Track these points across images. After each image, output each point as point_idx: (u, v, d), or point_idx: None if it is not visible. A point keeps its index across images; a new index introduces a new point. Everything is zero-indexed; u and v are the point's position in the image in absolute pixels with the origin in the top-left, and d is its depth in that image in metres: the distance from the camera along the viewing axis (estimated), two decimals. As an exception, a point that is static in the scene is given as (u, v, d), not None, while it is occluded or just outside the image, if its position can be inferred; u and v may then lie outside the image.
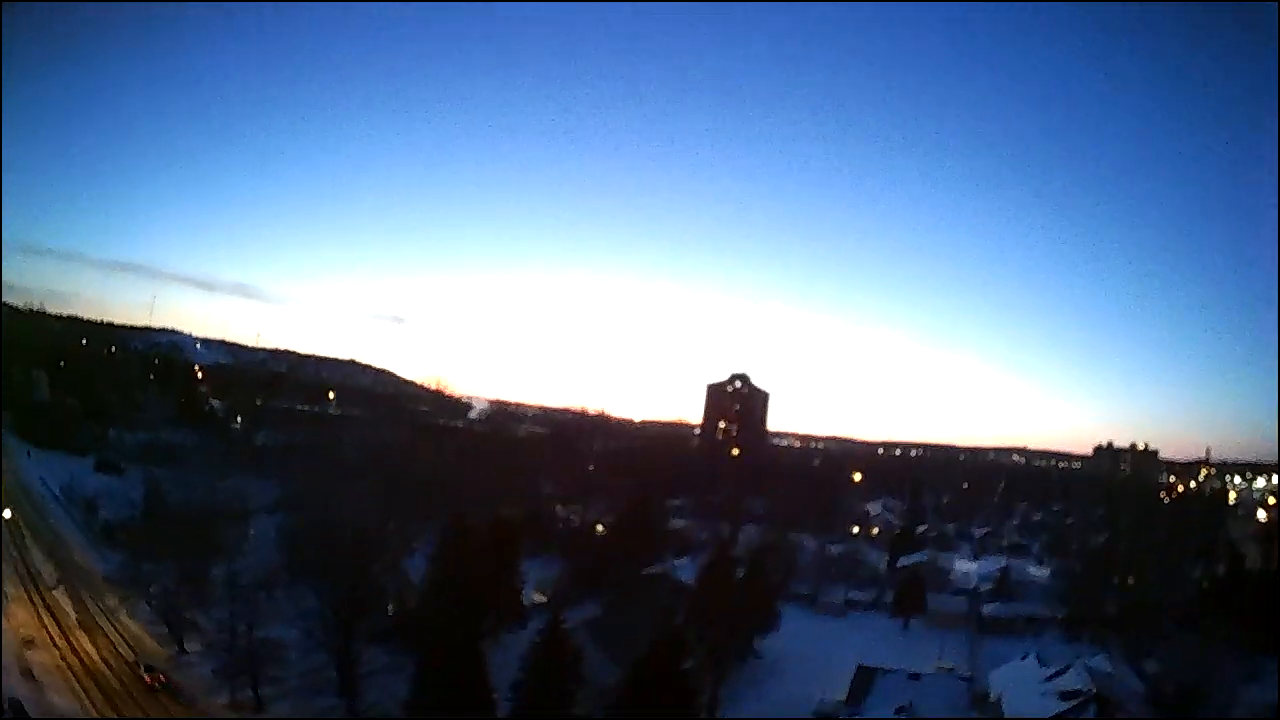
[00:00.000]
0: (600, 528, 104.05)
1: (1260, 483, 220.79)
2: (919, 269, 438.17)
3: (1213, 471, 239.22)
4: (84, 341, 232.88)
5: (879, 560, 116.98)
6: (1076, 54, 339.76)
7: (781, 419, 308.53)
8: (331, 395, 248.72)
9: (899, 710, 49.18)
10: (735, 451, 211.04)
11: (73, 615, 64.24)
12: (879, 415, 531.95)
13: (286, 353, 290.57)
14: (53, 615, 63.13)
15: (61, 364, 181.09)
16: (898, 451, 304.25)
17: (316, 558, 59.33)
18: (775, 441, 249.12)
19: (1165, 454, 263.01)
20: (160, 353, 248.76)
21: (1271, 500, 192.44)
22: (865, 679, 55.78)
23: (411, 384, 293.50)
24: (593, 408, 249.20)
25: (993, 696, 54.56)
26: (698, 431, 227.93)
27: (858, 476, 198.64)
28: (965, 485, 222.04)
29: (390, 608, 63.69)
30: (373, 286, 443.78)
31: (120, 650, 58.83)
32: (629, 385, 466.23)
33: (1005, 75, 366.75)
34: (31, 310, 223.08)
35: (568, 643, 49.71)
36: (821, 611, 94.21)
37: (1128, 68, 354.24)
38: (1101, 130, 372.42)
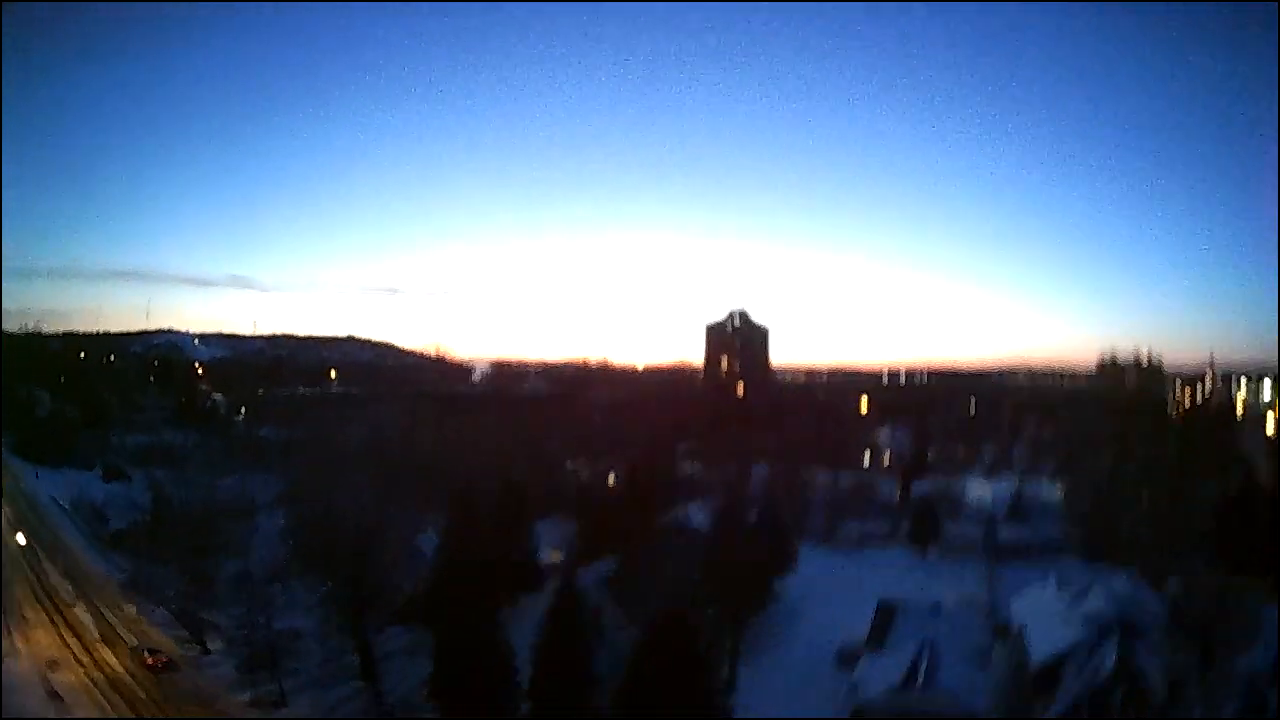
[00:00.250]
0: (611, 480, 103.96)
1: (1267, 384, 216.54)
2: (910, 189, 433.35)
3: (1218, 381, 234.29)
4: (82, 355, 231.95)
5: (891, 491, 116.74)
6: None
7: (783, 352, 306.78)
8: (333, 374, 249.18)
9: (921, 646, 48.91)
10: (740, 390, 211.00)
11: (94, 630, 64.50)
12: (881, 342, 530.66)
13: (286, 338, 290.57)
14: (74, 632, 63.47)
15: (61, 379, 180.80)
16: (902, 377, 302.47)
17: (322, 549, 59.11)
18: (779, 376, 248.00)
19: (1168, 359, 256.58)
20: (159, 354, 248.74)
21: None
22: (886, 616, 55.41)
23: (412, 354, 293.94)
24: (594, 358, 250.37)
25: (1014, 629, 54.07)
26: (701, 373, 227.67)
27: (864, 405, 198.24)
28: (972, 407, 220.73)
29: (405, 587, 63.52)
30: (365, 260, 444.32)
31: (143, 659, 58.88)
32: (628, 331, 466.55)
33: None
34: (28, 333, 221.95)
35: (583, 603, 49.64)
36: (838, 547, 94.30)
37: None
38: (1100, 38, 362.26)
